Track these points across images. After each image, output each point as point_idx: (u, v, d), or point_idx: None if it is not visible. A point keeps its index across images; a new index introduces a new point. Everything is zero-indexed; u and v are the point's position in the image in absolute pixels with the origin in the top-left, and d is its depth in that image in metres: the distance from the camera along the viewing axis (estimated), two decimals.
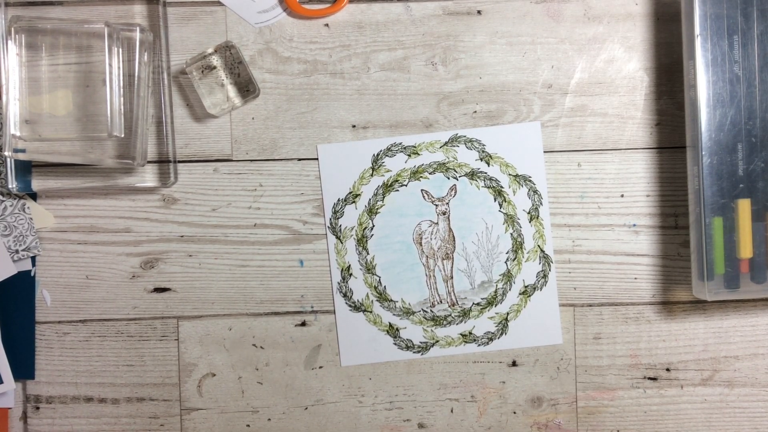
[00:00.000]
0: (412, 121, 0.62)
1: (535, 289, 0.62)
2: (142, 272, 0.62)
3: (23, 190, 0.61)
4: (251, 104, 0.62)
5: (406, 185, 0.62)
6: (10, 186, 0.59)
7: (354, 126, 0.62)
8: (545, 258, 0.62)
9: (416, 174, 0.62)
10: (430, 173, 0.62)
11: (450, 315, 0.62)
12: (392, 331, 0.62)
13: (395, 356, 0.62)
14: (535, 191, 0.62)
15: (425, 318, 0.62)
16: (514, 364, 0.62)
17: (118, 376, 0.62)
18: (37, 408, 0.62)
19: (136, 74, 0.59)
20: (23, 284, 0.61)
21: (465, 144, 0.62)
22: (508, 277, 0.62)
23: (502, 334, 0.62)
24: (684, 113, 0.60)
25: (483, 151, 0.62)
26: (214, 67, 0.60)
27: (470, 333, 0.62)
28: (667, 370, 0.62)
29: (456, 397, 0.62)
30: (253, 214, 0.62)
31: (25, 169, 0.61)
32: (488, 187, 0.62)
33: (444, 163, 0.62)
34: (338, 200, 0.62)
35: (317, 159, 0.62)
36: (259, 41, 0.62)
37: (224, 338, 0.62)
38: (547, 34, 0.62)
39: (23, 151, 0.58)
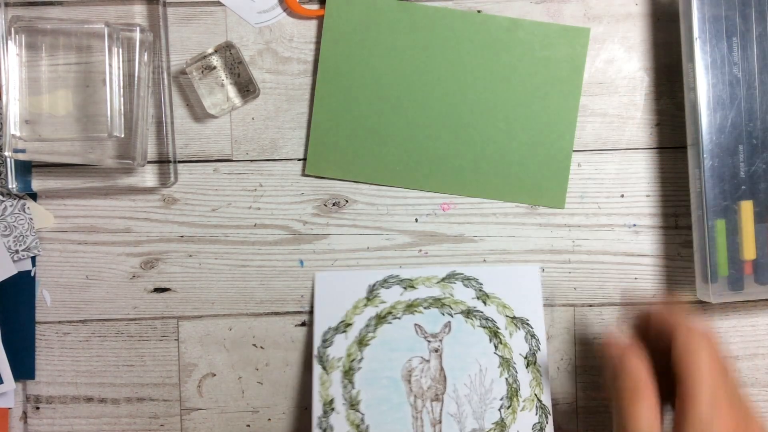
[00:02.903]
0: None
1: None
2: (142, 272, 0.62)
3: (23, 190, 0.61)
4: (251, 104, 0.62)
5: (399, 318, 0.60)
6: (10, 186, 0.59)
7: None
8: (542, 409, 0.59)
9: (411, 307, 0.60)
10: (425, 308, 0.60)
11: None
12: None
13: None
14: (533, 335, 0.60)
15: None
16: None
17: (118, 376, 0.62)
18: (37, 408, 0.62)
19: (136, 74, 0.59)
20: (23, 284, 0.61)
21: (462, 281, 0.60)
22: (501, 427, 0.58)
23: None
24: (684, 113, 0.60)
25: (480, 290, 0.60)
26: (214, 67, 0.60)
27: None
28: None
29: None
30: (253, 214, 0.62)
31: (25, 169, 0.61)
32: (484, 327, 0.59)
33: (440, 299, 0.60)
34: (329, 329, 0.60)
35: (313, 285, 0.61)
36: (259, 41, 0.62)
37: (224, 338, 0.62)
38: None
39: (23, 151, 0.58)
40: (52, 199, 0.62)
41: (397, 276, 0.60)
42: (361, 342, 0.59)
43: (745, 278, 0.58)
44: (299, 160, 0.62)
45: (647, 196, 0.62)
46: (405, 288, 0.60)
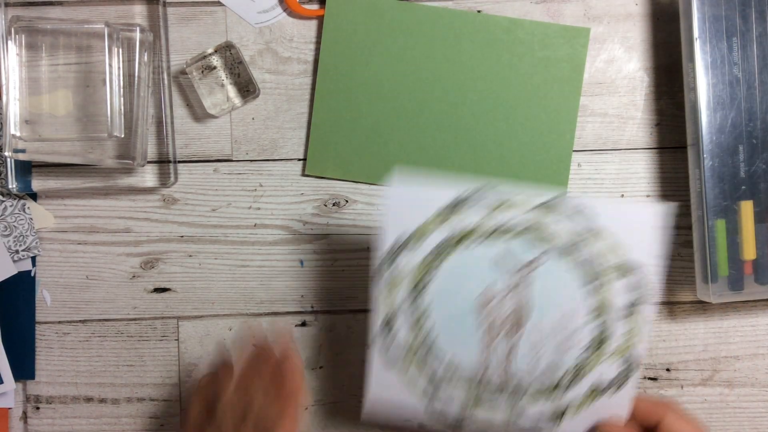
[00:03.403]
0: None
1: (605, 392, 0.52)
2: (142, 272, 0.62)
3: (23, 190, 0.61)
4: (251, 104, 0.62)
5: (482, 241, 0.52)
6: (10, 186, 0.59)
7: None
8: (630, 361, 0.51)
9: (496, 234, 0.52)
10: (514, 235, 0.51)
11: (497, 398, 0.52)
12: (427, 396, 0.53)
13: (425, 424, 0.54)
14: (641, 285, 0.51)
15: (468, 393, 0.53)
16: None
17: (118, 376, 0.62)
18: (37, 408, 0.62)
19: (136, 74, 0.59)
20: (23, 284, 0.61)
21: (567, 211, 0.51)
22: (577, 372, 0.52)
23: (550, 430, 0.53)
24: (684, 113, 0.60)
25: (588, 224, 0.51)
26: (214, 67, 0.60)
27: (515, 423, 0.52)
28: (668, 370, 0.62)
29: None
30: (253, 214, 0.62)
31: (25, 169, 0.61)
32: (581, 268, 0.51)
33: (535, 228, 0.51)
34: (397, 241, 0.52)
35: (384, 189, 0.56)
36: (259, 41, 0.62)
37: (224, 338, 0.62)
38: None
39: (23, 151, 0.58)
40: (52, 199, 0.62)
41: (485, 194, 0.52)
42: (433, 262, 0.52)
43: (745, 278, 0.58)
44: (299, 160, 0.62)
45: (647, 196, 0.62)
46: (493, 209, 0.52)
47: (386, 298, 0.53)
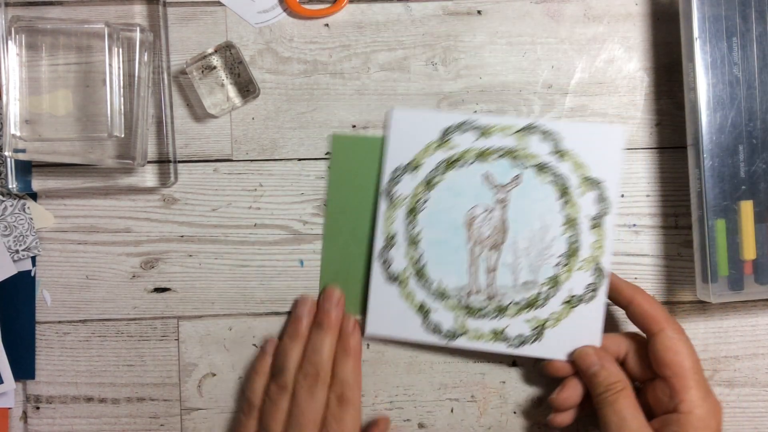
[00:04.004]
0: None
1: (580, 301, 0.59)
2: (142, 272, 0.62)
3: (23, 190, 0.61)
4: (251, 104, 0.62)
5: (469, 165, 0.59)
6: (10, 186, 0.59)
7: (354, 126, 0.62)
8: (599, 271, 0.59)
9: (483, 155, 0.59)
10: (497, 157, 0.59)
11: (485, 308, 0.59)
12: (423, 310, 0.60)
13: (421, 337, 0.60)
14: (605, 198, 0.59)
15: (459, 305, 0.59)
16: (514, 364, 0.62)
17: (118, 376, 0.62)
18: (37, 408, 0.62)
19: (136, 74, 0.59)
20: (23, 284, 0.61)
21: (540, 134, 0.59)
22: (554, 282, 0.59)
23: (535, 340, 0.59)
24: (684, 113, 0.60)
25: (558, 145, 0.59)
26: (214, 67, 0.60)
27: (502, 332, 0.59)
28: None
29: (456, 396, 0.62)
30: (253, 214, 0.62)
31: (25, 169, 0.61)
32: (554, 184, 0.59)
33: (513, 150, 0.59)
34: (399, 167, 0.60)
35: (383, 126, 0.61)
36: (259, 41, 0.62)
37: (224, 338, 0.62)
38: (547, 34, 0.62)
39: (23, 151, 0.58)
40: (52, 199, 0.62)
41: (474, 122, 0.60)
42: (429, 183, 0.59)
43: (745, 278, 0.58)
44: (299, 160, 0.62)
45: (647, 196, 0.62)
46: (480, 135, 0.59)
47: (388, 218, 0.60)
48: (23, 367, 0.61)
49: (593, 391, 0.56)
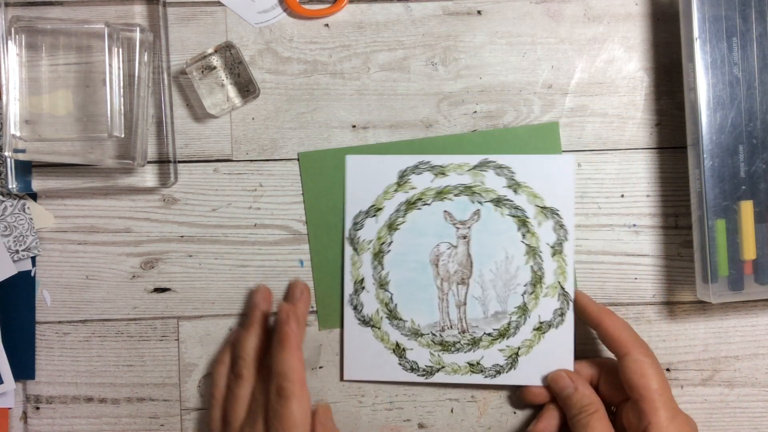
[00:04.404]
0: (413, 122, 0.62)
1: (550, 326, 0.60)
2: (142, 272, 0.62)
3: (23, 190, 0.61)
4: (251, 104, 0.62)
5: (429, 204, 0.61)
6: (10, 186, 0.59)
7: (354, 126, 0.62)
8: (564, 296, 0.60)
9: (441, 194, 0.61)
10: (455, 195, 0.61)
11: (459, 342, 0.61)
12: (398, 350, 0.61)
13: (399, 377, 0.61)
14: (561, 225, 0.60)
15: (433, 342, 0.61)
16: None
17: (118, 376, 0.62)
18: (37, 408, 0.62)
19: (136, 74, 0.59)
20: (23, 284, 0.61)
21: (494, 169, 0.60)
22: (523, 310, 0.61)
23: (511, 368, 0.60)
24: (684, 113, 0.60)
25: (512, 179, 0.60)
26: (214, 68, 0.60)
27: (478, 363, 0.61)
28: (668, 370, 0.62)
29: (456, 397, 0.62)
30: (253, 214, 0.62)
31: (25, 169, 0.61)
32: (513, 216, 0.60)
33: (470, 187, 0.61)
34: (360, 212, 0.61)
35: (344, 169, 0.61)
36: (259, 41, 0.62)
37: (224, 338, 0.62)
38: (547, 34, 0.62)
39: (23, 151, 0.58)
40: (52, 199, 0.62)
41: (429, 162, 0.61)
42: (391, 226, 0.61)
43: (745, 278, 0.58)
44: (299, 160, 0.62)
45: (647, 196, 0.62)
46: (436, 174, 0.61)
47: (355, 264, 0.61)
48: (23, 368, 0.61)
49: (567, 412, 0.57)
